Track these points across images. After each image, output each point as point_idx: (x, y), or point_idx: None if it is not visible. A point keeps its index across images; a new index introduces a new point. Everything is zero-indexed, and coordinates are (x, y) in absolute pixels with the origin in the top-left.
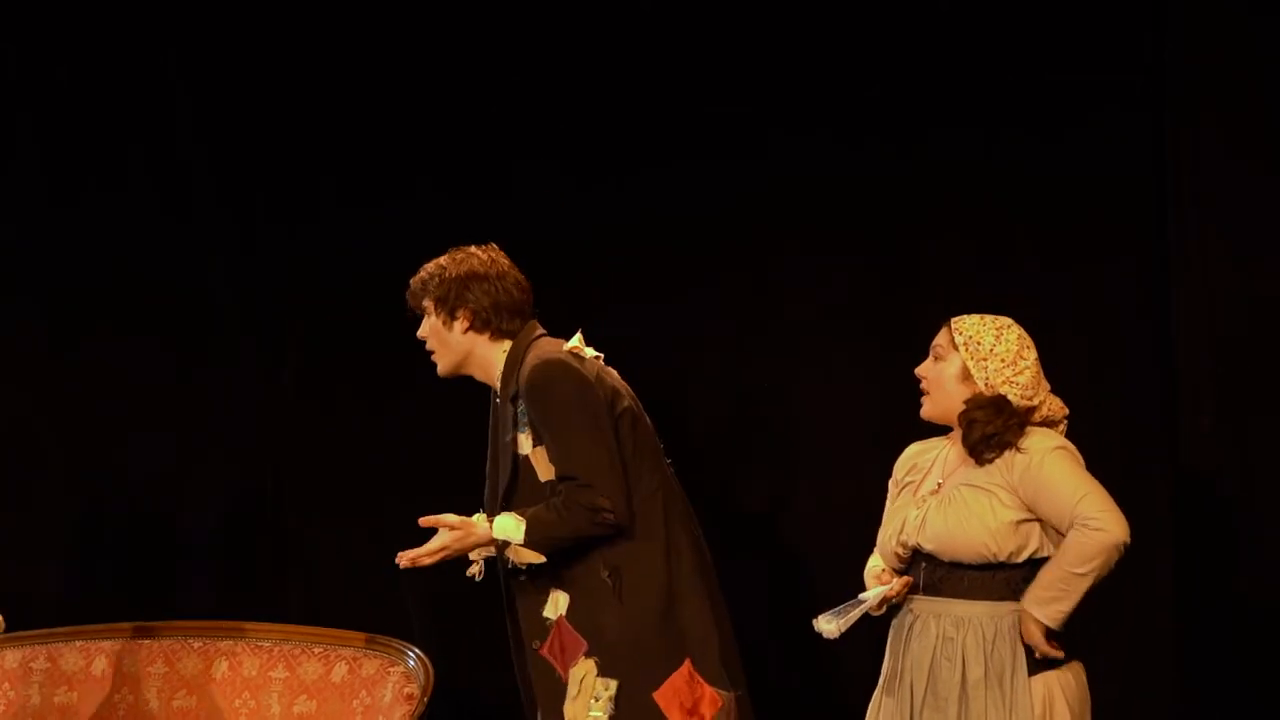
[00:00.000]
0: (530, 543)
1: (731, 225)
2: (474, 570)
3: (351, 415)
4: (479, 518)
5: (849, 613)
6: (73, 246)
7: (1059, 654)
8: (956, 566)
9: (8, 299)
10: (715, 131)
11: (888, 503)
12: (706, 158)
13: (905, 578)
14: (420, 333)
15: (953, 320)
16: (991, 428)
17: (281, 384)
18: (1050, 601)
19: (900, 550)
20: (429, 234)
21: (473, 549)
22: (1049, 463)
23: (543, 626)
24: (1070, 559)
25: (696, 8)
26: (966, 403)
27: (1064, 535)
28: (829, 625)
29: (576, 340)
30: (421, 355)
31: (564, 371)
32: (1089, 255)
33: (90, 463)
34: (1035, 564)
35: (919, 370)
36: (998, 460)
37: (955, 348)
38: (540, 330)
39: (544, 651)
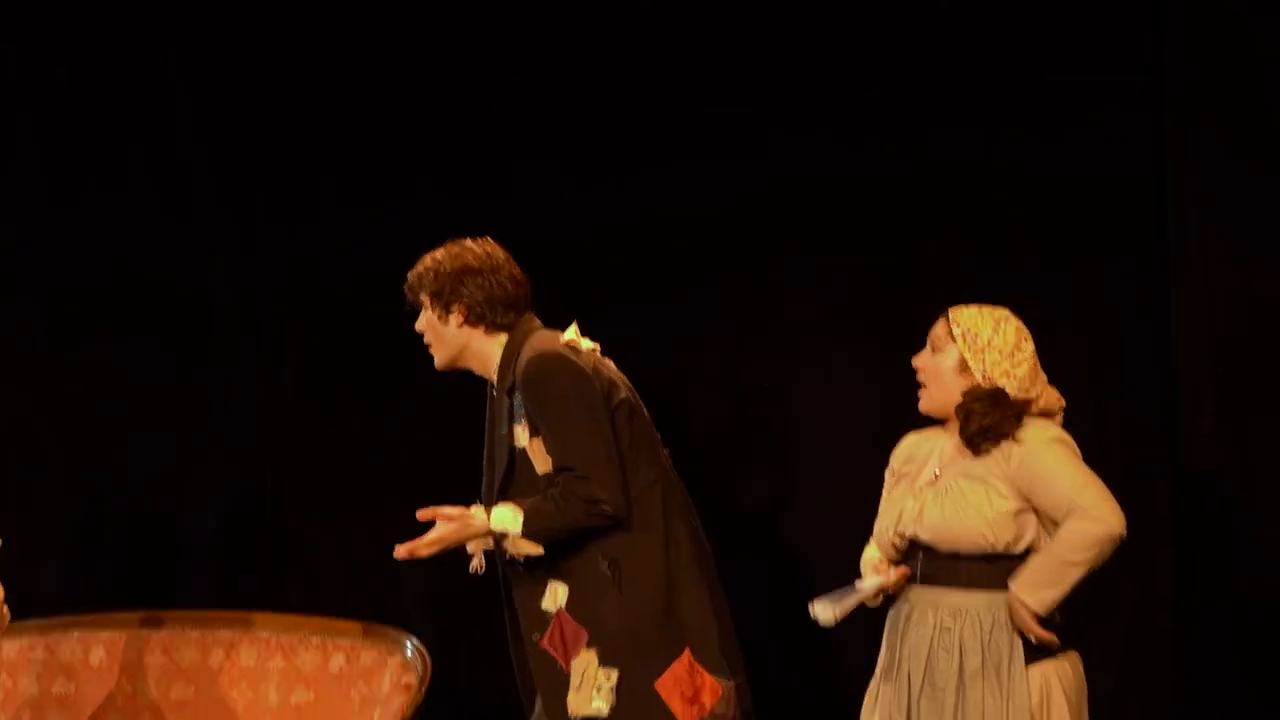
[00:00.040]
0: (528, 534)
1: (731, 225)
2: (475, 564)
3: (351, 415)
4: (476, 509)
5: (845, 600)
6: (73, 246)
7: (1050, 637)
8: (954, 557)
9: (8, 299)
10: (715, 131)
11: (884, 493)
12: (706, 158)
13: (902, 568)
14: (418, 326)
15: (950, 311)
16: (989, 419)
17: (281, 384)
18: (1040, 587)
19: (897, 541)
20: (429, 234)
21: (470, 540)
22: (1047, 454)
23: (542, 618)
24: (1065, 547)
25: (696, 8)
26: (964, 395)
27: (1059, 526)
28: (825, 612)
29: (572, 332)
30: (421, 355)
31: (560, 364)
32: (1089, 255)
33: (90, 463)
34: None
35: (916, 361)
36: (995, 451)
37: (953, 339)
38: (536, 323)
39: (545, 644)
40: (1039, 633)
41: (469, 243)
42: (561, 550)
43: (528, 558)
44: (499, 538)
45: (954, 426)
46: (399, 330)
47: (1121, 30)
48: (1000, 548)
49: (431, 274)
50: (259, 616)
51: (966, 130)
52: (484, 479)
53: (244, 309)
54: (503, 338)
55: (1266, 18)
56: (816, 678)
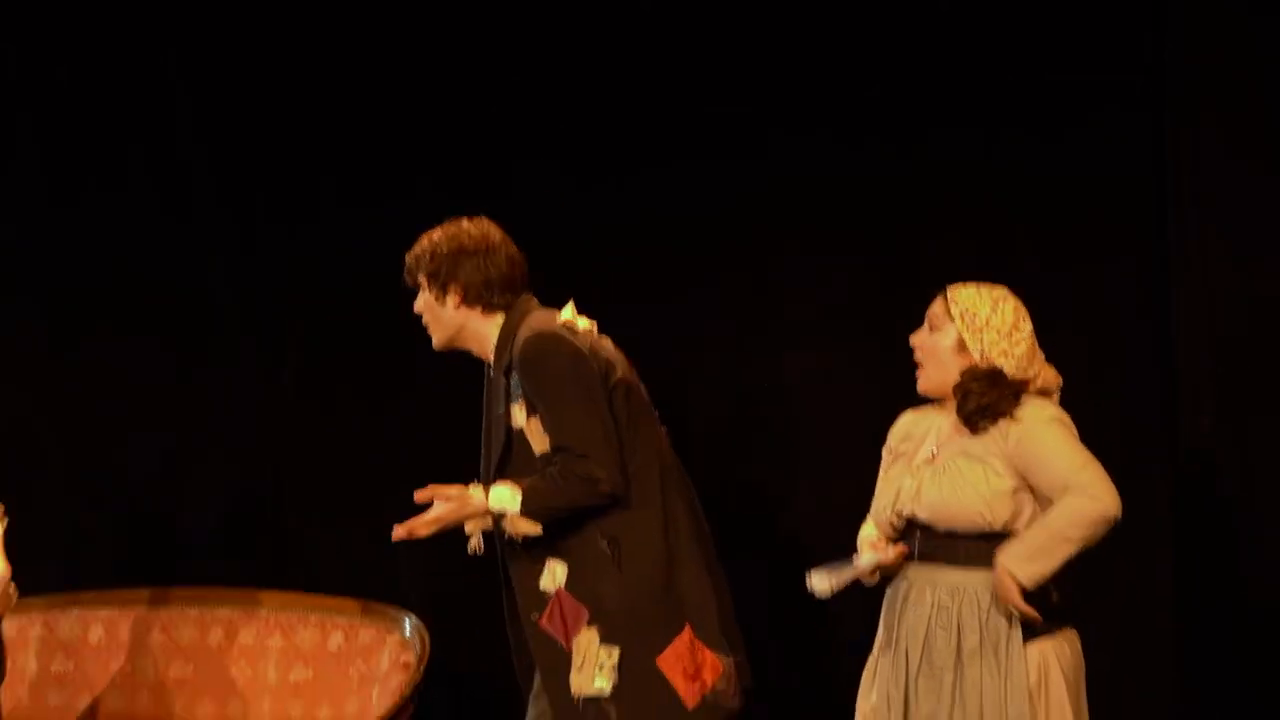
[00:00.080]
0: (527, 512)
1: (731, 225)
2: (473, 545)
3: (351, 415)
4: (475, 489)
5: (842, 573)
6: (73, 246)
7: (1032, 613)
8: (951, 535)
9: (8, 299)
10: (715, 131)
11: (881, 471)
12: (706, 158)
13: (900, 546)
14: (415, 307)
15: (948, 289)
16: (987, 399)
17: (281, 384)
18: (1031, 560)
19: (895, 519)
20: None
21: (469, 519)
22: (1045, 432)
23: (540, 598)
24: (1061, 522)
25: (696, 8)
26: (962, 374)
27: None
28: (822, 583)
29: (569, 311)
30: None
31: (557, 344)
32: (1089, 255)
33: (90, 463)
34: None
35: (913, 339)
36: (992, 429)
37: (951, 318)
38: (534, 302)
39: (544, 623)
40: (1022, 607)
41: (466, 223)
42: (560, 529)
43: (526, 537)
44: (497, 517)
45: (951, 405)
46: (399, 330)
47: (1121, 30)
48: (998, 526)
49: (428, 255)
50: (258, 595)
51: (966, 130)
52: (482, 459)
53: (244, 309)
54: (500, 318)
55: (1266, 18)
56: (817, 678)
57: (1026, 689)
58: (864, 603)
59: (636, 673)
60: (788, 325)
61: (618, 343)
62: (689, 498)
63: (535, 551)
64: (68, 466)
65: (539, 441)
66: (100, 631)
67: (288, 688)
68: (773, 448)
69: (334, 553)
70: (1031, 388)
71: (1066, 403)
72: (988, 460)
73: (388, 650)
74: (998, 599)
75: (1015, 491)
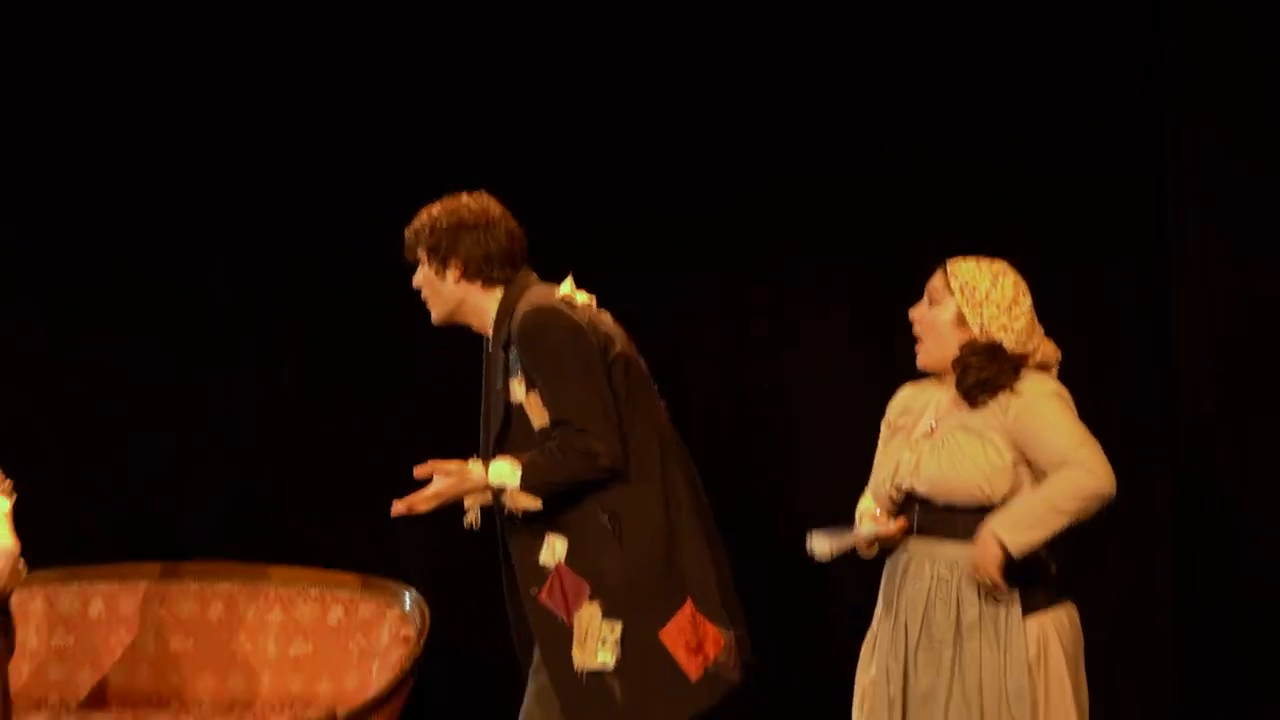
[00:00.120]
0: (526, 487)
1: (731, 225)
2: (470, 519)
3: (351, 415)
4: (474, 464)
5: (843, 540)
6: (73, 246)
7: (1003, 587)
8: (950, 509)
9: (8, 299)
10: (715, 131)
11: (879, 445)
12: (706, 158)
13: (900, 520)
14: (414, 281)
15: (948, 263)
16: (986, 373)
17: (281, 384)
18: (1021, 528)
19: (894, 493)
20: None
21: (468, 494)
22: (1045, 407)
23: (539, 573)
24: (1055, 494)
25: (696, 8)
26: (961, 348)
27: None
28: (822, 546)
29: (568, 286)
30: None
31: (555, 318)
32: (1089, 255)
33: (90, 462)
34: None
35: (913, 313)
36: (991, 403)
37: (950, 292)
38: (533, 277)
39: (544, 598)
40: (996, 578)
41: (465, 198)
42: (560, 504)
43: (525, 512)
44: (497, 492)
45: (950, 379)
46: (399, 330)
47: (1121, 30)
48: (996, 500)
49: (428, 229)
50: (258, 569)
51: (966, 130)
52: (481, 434)
53: (244, 309)
54: (499, 292)
55: (1266, 18)
56: (818, 678)
57: (1026, 662)
58: (863, 576)
59: (639, 647)
60: (787, 325)
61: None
62: (689, 471)
63: (535, 526)
64: (68, 466)
65: (538, 416)
66: (100, 606)
67: (288, 662)
68: (773, 448)
69: (334, 553)
70: (1031, 362)
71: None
72: (987, 434)
73: (388, 624)
74: (973, 566)
75: (1014, 465)
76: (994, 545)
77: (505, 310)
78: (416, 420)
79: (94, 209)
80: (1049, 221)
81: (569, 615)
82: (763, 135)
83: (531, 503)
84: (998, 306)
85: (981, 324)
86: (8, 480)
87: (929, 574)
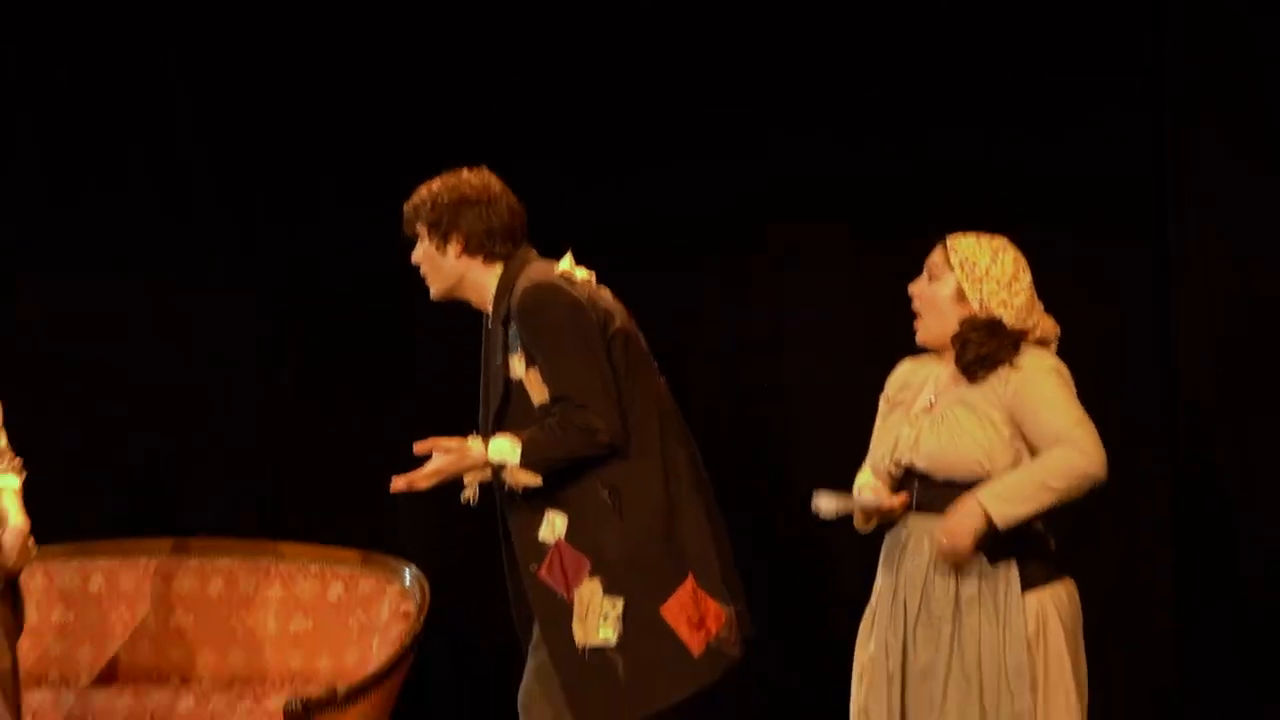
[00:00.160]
0: (526, 464)
1: (731, 225)
2: (468, 495)
3: (351, 415)
4: (474, 440)
5: (847, 501)
6: (73, 246)
7: (963, 557)
8: (949, 484)
9: (8, 299)
10: (715, 131)
11: (878, 420)
12: (707, 158)
13: (902, 495)
14: (414, 258)
15: (948, 238)
16: (985, 348)
17: (281, 384)
18: (1009, 500)
19: (893, 468)
20: None
21: (468, 472)
22: (1044, 383)
23: (539, 549)
24: (1047, 471)
25: (696, 8)
26: (961, 324)
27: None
28: (827, 504)
29: (567, 262)
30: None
31: (555, 294)
32: (1089, 255)
33: (90, 463)
34: None
35: (912, 288)
36: (991, 377)
37: (950, 267)
38: (533, 253)
39: (543, 574)
40: (966, 546)
41: (466, 173)
42: (559, 480)
43: (525, 488)
44: (497, 469)
45: (949, 354)
46: (399, 330)
47: (1121, 30)
48: (995, 475)
49: (429, 204)
50: (258, 545)
51: (966, 130)
52: (480, 410)
53: (244, 309)
54: (499, 268)
55: (1266, 18)
56: (818, 677)
57: (1025, 638)
58: (862, 552)
59: (641, 623)
60: (787, 325)
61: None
62: (689, 447)
63: (534, 503)
64: (67, 466)
65: (538, 392)
66: (100, 581)
67: (288, 638)
68: (772, 447)
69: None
70: (1030, 337)
71: None
72: (986, 409)
73: (388, 600)
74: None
75: (1012, 439)
76: (978, 514)
77: (505, 286)
78: (416, 420)
79: (94, 209)
80: (1049, 221)
81: (569, 591)
82: (763, 135)
83: (531, 479)
84: (997, 282)
85: (981, 299)
86: (18, 458)
87: (928, 550)
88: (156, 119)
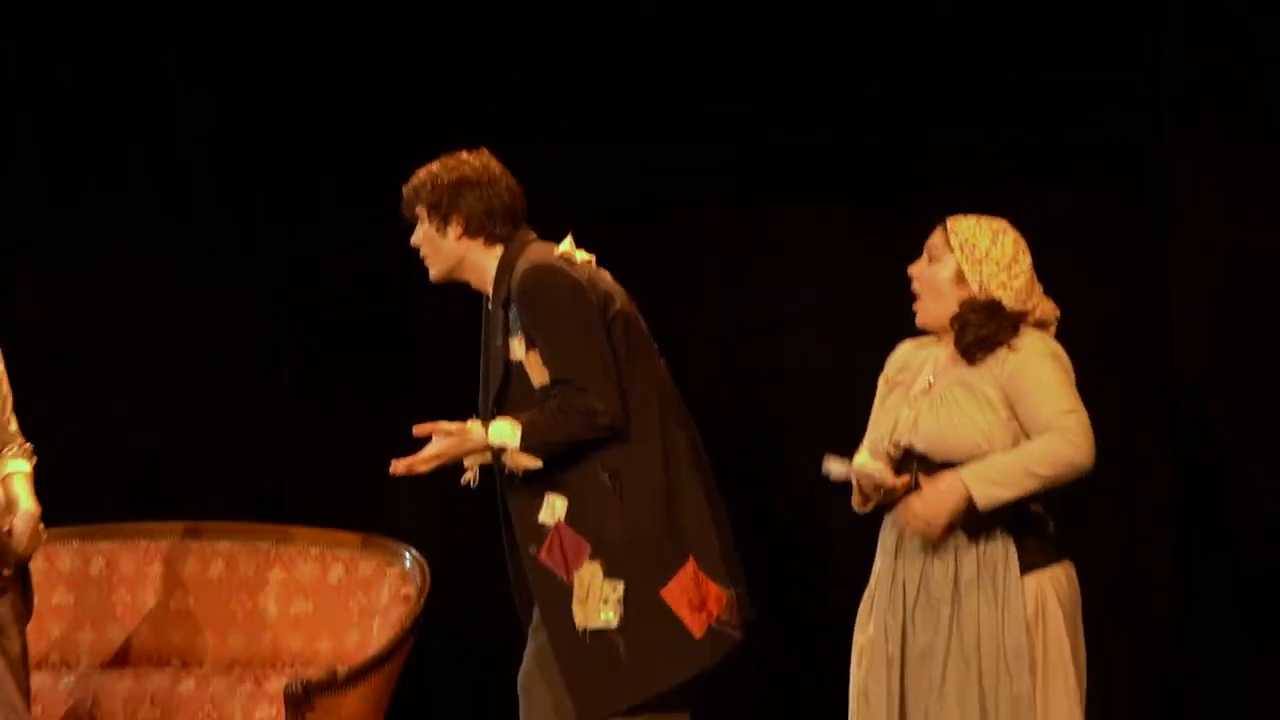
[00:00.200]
0: (526, 447)
1: (731, 225)
2: (468, 477)
3: (351, 415)
4: (474, 424)
5: (852, 471)
6: (73, 246)
7: (938, 533)
8: (948, 466)
9: (8, 299)
10: (715, 130)
11: (876, 401)
12: (706, 157)
13: (905, 477)
14: (414, 240)
15: (948, 220)
16: (984, 330)
17: (281, 384)
18: (995, 483)
19: (892, 451)
20: None
21: (468, 455)
22: (1039, 367)
23: (539, 532)
24: (1033, 458)
25: (697, 7)
26: (961, 305)
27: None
28: (838, 468)
29: (567, 244)
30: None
31: (555, 276)
32: (1089, 257)
33: (90, 462)
34: None
35: (912, 269)
36: (989, 359)
37: (950, 249)
38: (533, 235)
39: (543, 557)
40: (939, 523)
41: (465, 154)
42: (560, 463)
43: (525, 471)
44: (497, 452)
45: (949, 336)
46: (399, 330)
47: (1121, 30)
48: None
49: (429, 186)
50: (258, 528)
51: (966, 130)
52: (480, 393)
53: (244, 309)
54: (499, 250)
55: (1266, 18)
56: (818, 662)
57: (1024, 620)
58: (861, 535)
59: (642, 605)
60: (786, 324)
61: None
62: (689, 430)
63: (535, 485)
64: (66, 466)
65: (538, 374)
66: (101, 564)
67: (288, 620)
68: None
69: None
70: (1030, 319)
71: None
72: (984, 389)
73: (388, 583)
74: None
75: (1010, 420)
76: (959, 492)
77: (505, 268)
78: (416, 420)
79: (94, 209)
80: (1049, 222)
81: (568, 574)
82: (763, 135)
83: (532, 462)
84: (997, 264)
85: (981, 281)
86: (28, 444)
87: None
88: (157, 119)
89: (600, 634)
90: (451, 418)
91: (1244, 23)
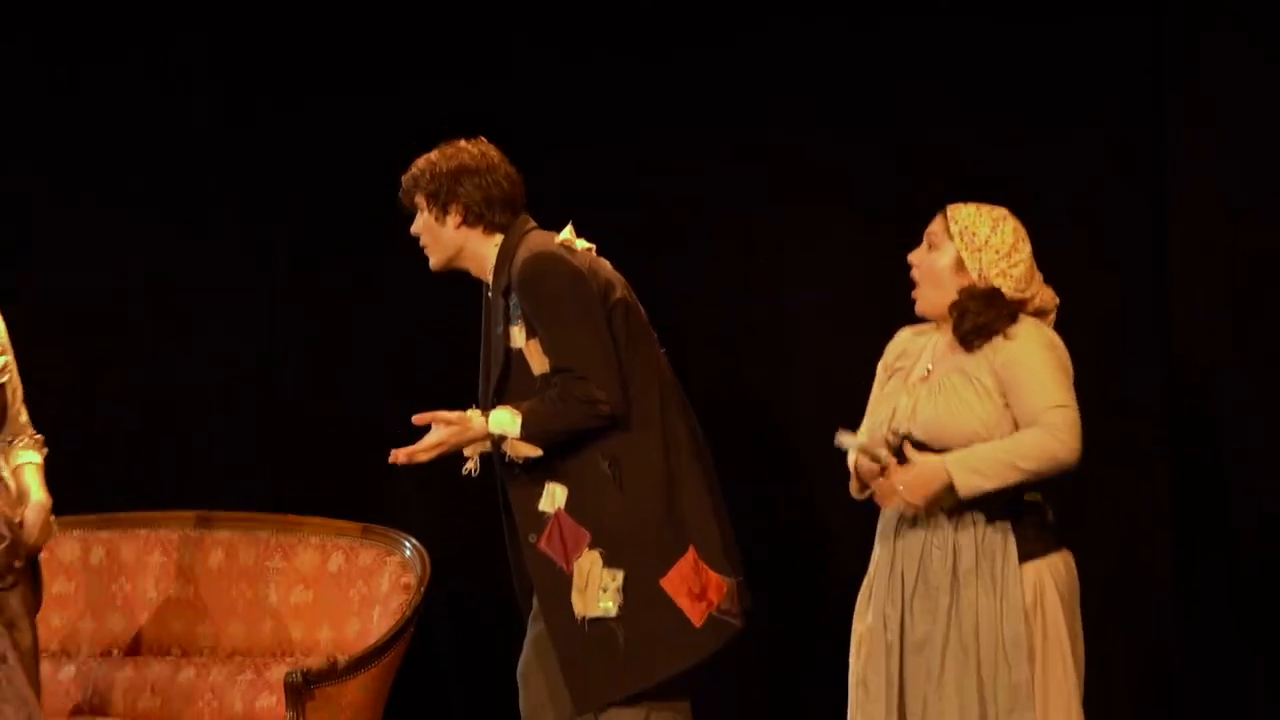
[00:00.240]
0: (527, 436)
1: (731, 225)
2: (469, 466)
3: (351, 415)
4: (474, 412)
5: (860, 449)
6: (73, 246)
7: (912, 510)
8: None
9: (8, 299)
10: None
11: (875, 387)
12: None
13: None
14: (414, 229)
15: (948, 208)
16: (983, 318)
17: (281, 380)
18: (978, 473)
19: (890, 438)
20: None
21: (469, 444)
22: (1036, 357)
23: (539, 520)
24: (1018, 451)
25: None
26: (960, 293)
27: (1019, 429)
28: (850, 440)
29: (568, 232)
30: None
31: (556, 264)
32: (1089, 257)
33: (90, 462)
34: None
35: (911, 257)
36: (985, 346)
37: (950, 237)
38: (532, 223)
39: (542, 545)
40: (917, 508)
41: (463, 143)
42: (560, 452)
43: (526, 459)
44: (497, 440)
45: (948, 324)
46: (399, 330)
47: (1121, 30)
48: None
49: (427, 175)
50: (258, 517)
51: (967, 130)
52: (480, 381)
53: (243, 307)
54: (498, 238)
55: (1267, 18)
56: (810, 577)
57: (1022, 609)
58: (860, 524)
59: (641, 595)
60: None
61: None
62: (689, 418)
63: (535, 474)
64: (67, 470)
65: (538, 362)
66: (101, 553)
67: (288, 609)
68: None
69: None
70: (1029, 308)
71: None
72: (980, 377)
73: (388, 572)
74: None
75: (1006, 409)
76: (942, 478)
77: (505, 256)
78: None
79: (94, 208)
80: (1049, 222)
81: (568, 563)
82: (762, 137)
83: (532, 451)
84: (997, 252)
85: (980, 269)
86: (39, 435)
87: (925, 521)
88: (157, 118)
89: (599, 623)
90: (452, 407)
91: (1244, 22)
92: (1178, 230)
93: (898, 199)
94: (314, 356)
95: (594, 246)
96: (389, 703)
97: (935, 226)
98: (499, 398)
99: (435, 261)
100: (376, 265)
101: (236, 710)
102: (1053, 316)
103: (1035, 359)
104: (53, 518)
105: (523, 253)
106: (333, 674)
